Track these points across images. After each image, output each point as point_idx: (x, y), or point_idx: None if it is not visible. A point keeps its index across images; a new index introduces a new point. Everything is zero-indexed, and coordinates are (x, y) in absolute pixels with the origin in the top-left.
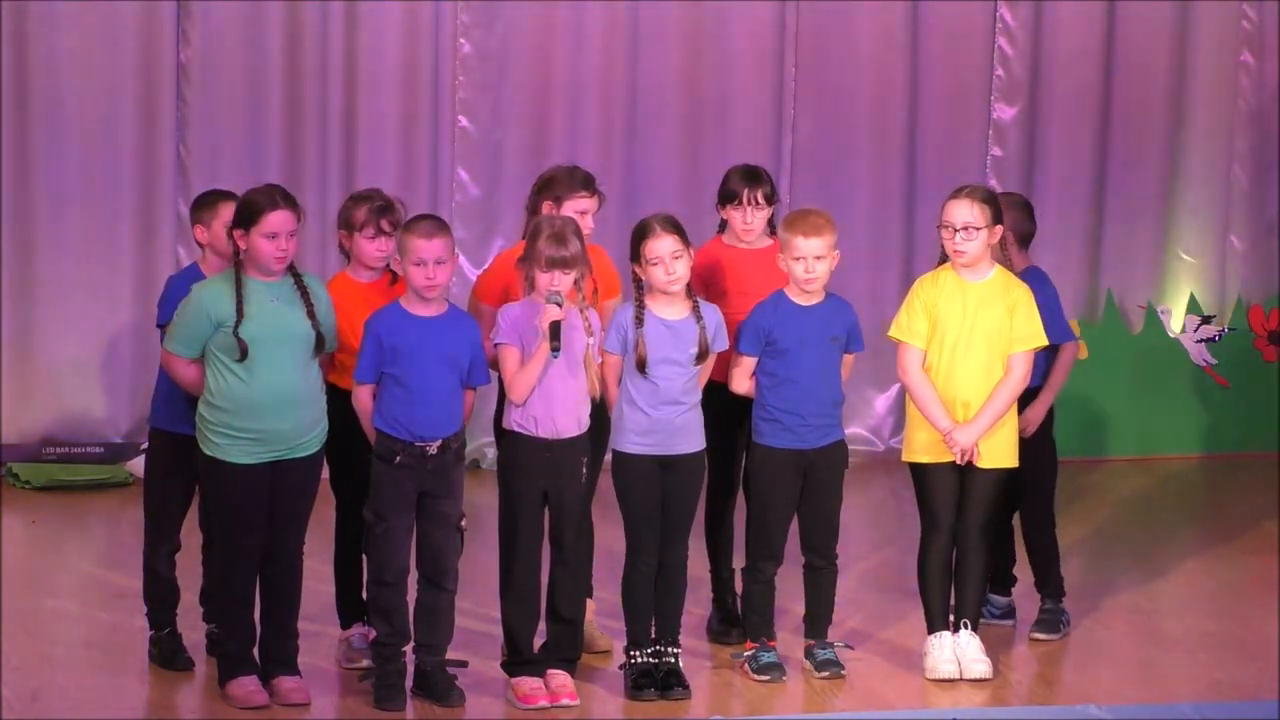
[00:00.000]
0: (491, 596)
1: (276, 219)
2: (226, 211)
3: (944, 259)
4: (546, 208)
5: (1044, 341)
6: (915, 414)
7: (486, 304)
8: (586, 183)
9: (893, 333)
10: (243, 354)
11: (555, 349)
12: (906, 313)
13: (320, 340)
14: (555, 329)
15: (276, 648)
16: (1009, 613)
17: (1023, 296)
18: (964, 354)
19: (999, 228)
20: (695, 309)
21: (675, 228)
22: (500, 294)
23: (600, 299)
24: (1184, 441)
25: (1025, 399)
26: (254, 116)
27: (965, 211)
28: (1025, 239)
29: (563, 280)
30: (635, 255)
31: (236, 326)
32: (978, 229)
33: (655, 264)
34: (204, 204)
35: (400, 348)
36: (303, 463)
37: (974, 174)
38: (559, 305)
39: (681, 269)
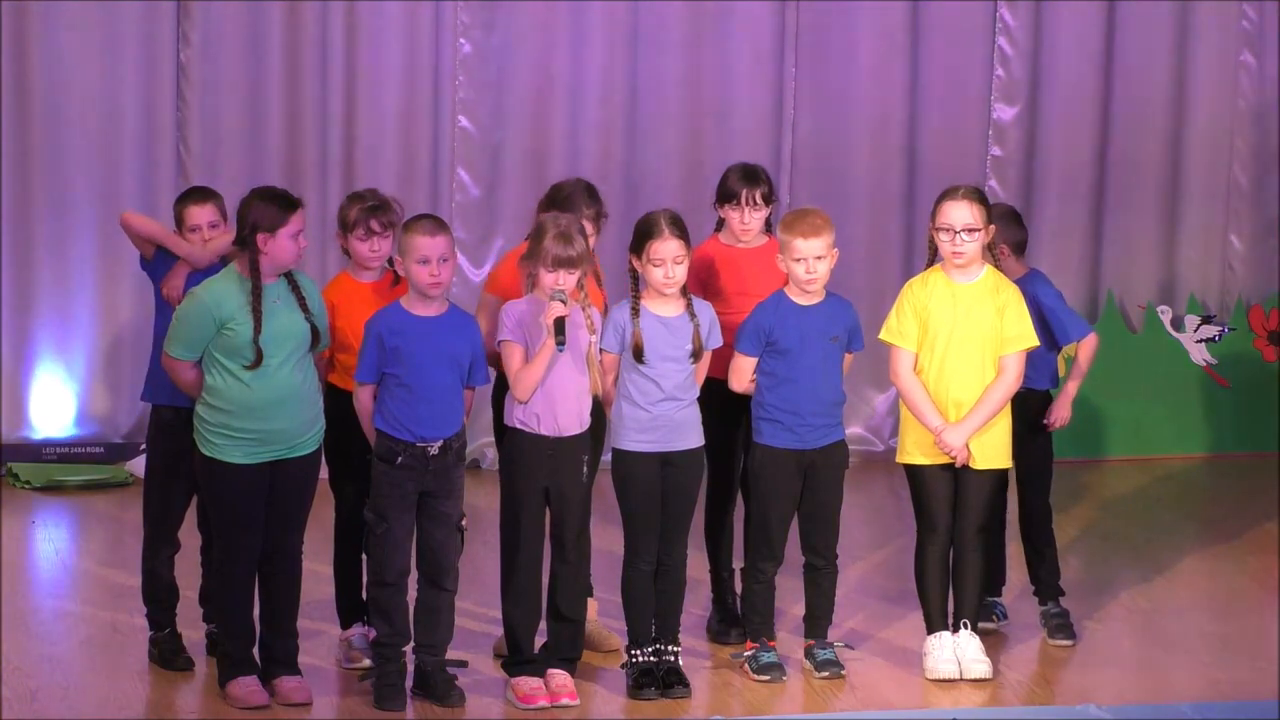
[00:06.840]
0: (491, 596)
1: (301, 217)
2: (191, 215)
3: (932, 261)
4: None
5: (1035, 342)
6: (908, 415)
7: (491, 294)
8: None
9: (883, 335)
10: (257, 361)
11: (561, 343)
12: (896, 316)
13: (316, 336)
14: (560, 324)
15: (277, 647)
16: (1004, 613)
17: (1012, 297)
18: (955, 355)
19: (992, 227)
20: (689, 307)
21: (682, 232)
22: (502, 287)
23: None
24: (1184, 441)
25: (1036, 401)
26: (254, 116)
27: (965, 213)
28: (1020, 247)
29: (567, 280)
30: (638, 249)
31: (256, 335)
32: (977, 230)
33: (658, 265)
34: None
35: (401, 348)
36: (301, 461)
37: (974, 174)
38: (563, 302)
39: (681, 274)
